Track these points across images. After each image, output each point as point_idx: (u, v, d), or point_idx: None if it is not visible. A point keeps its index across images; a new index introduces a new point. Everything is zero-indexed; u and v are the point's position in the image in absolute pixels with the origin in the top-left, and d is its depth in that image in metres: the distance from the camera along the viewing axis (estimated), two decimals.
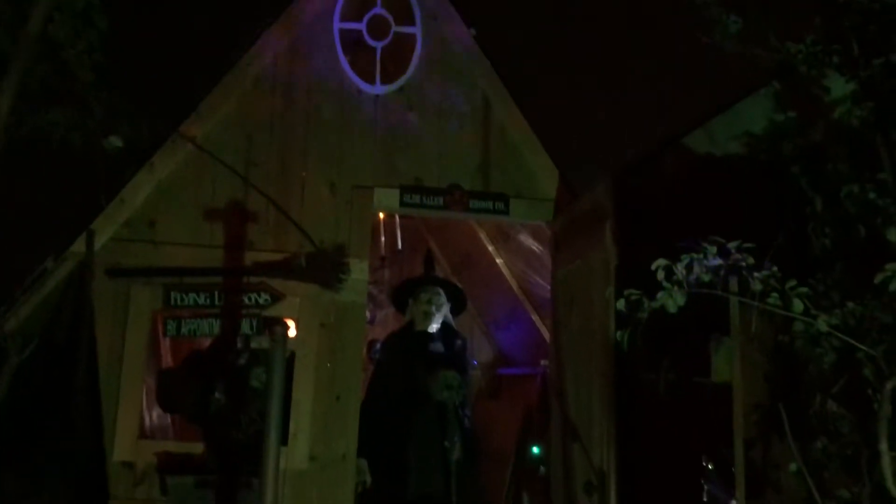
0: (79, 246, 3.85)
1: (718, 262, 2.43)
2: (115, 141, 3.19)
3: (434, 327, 4.69)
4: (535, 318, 5.51)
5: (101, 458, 3.74)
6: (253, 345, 3.61)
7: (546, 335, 5.27)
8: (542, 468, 4.94)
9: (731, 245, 2.46)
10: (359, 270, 4.06)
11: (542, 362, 5.20)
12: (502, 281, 5.68)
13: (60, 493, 3.57)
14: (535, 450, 5.16)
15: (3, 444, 3.25)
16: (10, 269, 3.78)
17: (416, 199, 4.16)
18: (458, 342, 4.74)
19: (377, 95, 4.22)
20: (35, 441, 3.52)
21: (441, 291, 4.75)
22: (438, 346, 4.62)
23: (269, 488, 3.13)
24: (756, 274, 2.45)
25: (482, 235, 5.57)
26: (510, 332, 6.09)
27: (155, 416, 4.14)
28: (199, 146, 4.02)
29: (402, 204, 4.17)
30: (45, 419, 3.58)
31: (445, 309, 4.74)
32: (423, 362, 4.53)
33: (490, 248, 5.58)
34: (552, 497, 4.05)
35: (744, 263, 2.44)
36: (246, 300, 3.94)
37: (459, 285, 5.22)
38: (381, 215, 5.63)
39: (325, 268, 4.02)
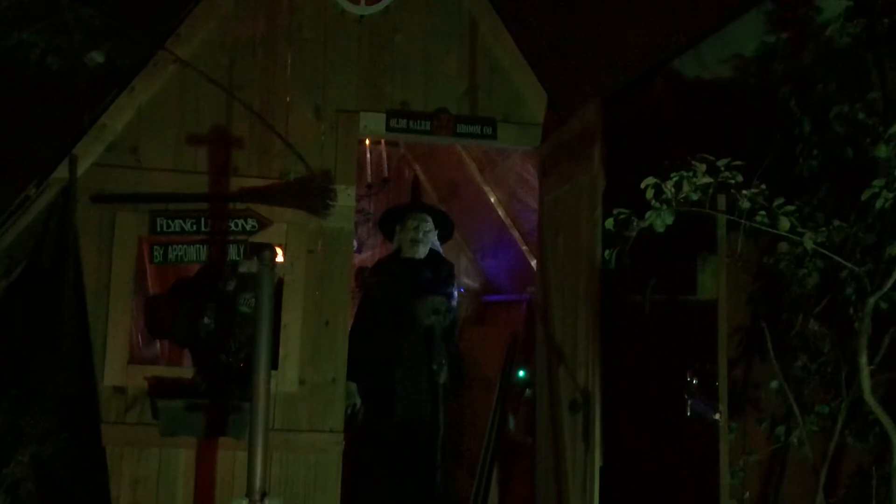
0: (61, 172, 3.79)
1: (707, 179, 2.43)
2: (97, 56, 3.10)
3: (421, 254, 4.71)
4: (521, 245, 5.53)
5: (90, 383, 3.76)
6: (241, 269, 3.61)
7: (532, 263, 5.31)
8: (527, 391, 5.04)
9: (720, 163, 2.46)
10: (345, 196, 4.03)
11: (528, 289, 5.25)
12: (489, 209, 5.67)
13: (50, 416, 3.61)
14: (521, 373, 5.26)
15: None
16: None
17: (403, 123, 4.11)
18: (446, 269, 4.78)
19: (361, 16, 4.12)
20: (24, 366, 3.54)
21: (428, 218, 4.76)
22: (426, 273, 4.66)
23: (259, 411, 3.15)
24: (744, 191, 2.46)
25: (469, 163, 5.55)
26: (496, 259, 6.13)
27: (144, 341, 4.15)
28: (187, 62, 3.91)
29: (389, 129, 4.12)
30: (33, 344, 3.59)
31: (433, 236, 4.76)
32: (411, 288, 4.57)
33: (477, 175, 5.56)
34: (537, 417, 4.14)
35: (732, 181, 2.45)
36: (232, 226, 3.92)
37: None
38: (367, 142, 5.59)
39: (311, 194, 3.99)
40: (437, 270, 4.70)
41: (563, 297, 3.77)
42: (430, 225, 4.73)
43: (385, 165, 5.92)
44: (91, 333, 3.77)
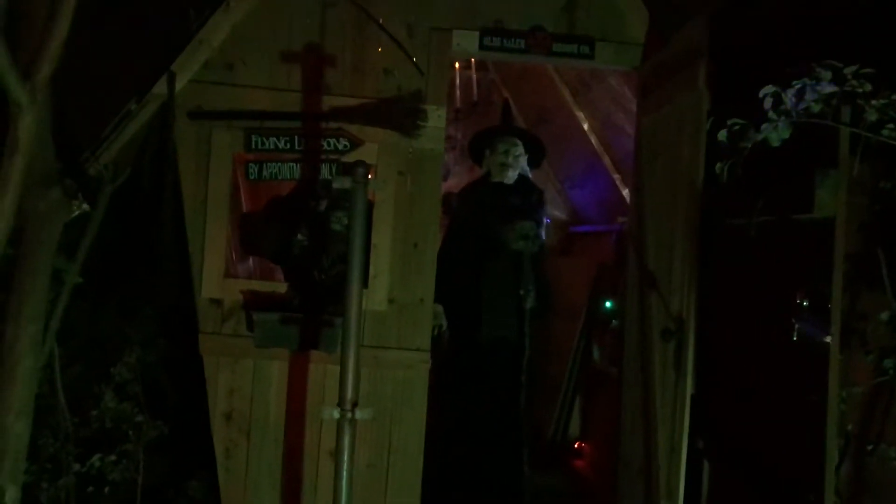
0: (160, 88, 3.85)
1: (832, 89, 2.27)
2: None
3: (511, 179, 4.64)
4: (613, 174, 5.39)
5: (188, 295, 3.89)
6: (335, 185, 3.63)
7: (623, 192, 5.18)
8: (613, 321, 4.98)
9: (848, 70, 2.29)
10: (436, 117, 3.98)
11: (619, 219, 5.14)
12: (580, 136, 5.54)
13: (152, 324, 3.76)
14: (608, 304, 5.19)
15: (102, 274, 3.41)
16: (99, 111, 3.82)
17: (497, 42, 4.00)
18: (536, 194, 4.70)
19: None
20: (128, 274, 3.68)
21: (519, 142, 4.67)
22: (515, 198, 4.60)
23: (352, 327, 3.20)
24: (873, 101, 2.29)
25: (561, 87, 5.40)
26: (585, 189, 6.01)
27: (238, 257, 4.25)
28: None
29: (482, 47, 4.01)
30: (135, 254, 3.73)
31: (523, 160, 4.67)
32: (499, 213, 4.52)
33: (569, 100, 5.42)
34: (626, 345, 4.08)
35: (861, 90, 2.27)
36: (325, 145, 3.93)
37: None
38: (457, 66, 5.49)
39: (401, 114, 3.96)
40: (527, 196, 4.62)
41: (659, 221, 3.66)
42: (520, 149, 4.64)
43: (474, 90, 5.82)
44: (189, 247, 3.88)
